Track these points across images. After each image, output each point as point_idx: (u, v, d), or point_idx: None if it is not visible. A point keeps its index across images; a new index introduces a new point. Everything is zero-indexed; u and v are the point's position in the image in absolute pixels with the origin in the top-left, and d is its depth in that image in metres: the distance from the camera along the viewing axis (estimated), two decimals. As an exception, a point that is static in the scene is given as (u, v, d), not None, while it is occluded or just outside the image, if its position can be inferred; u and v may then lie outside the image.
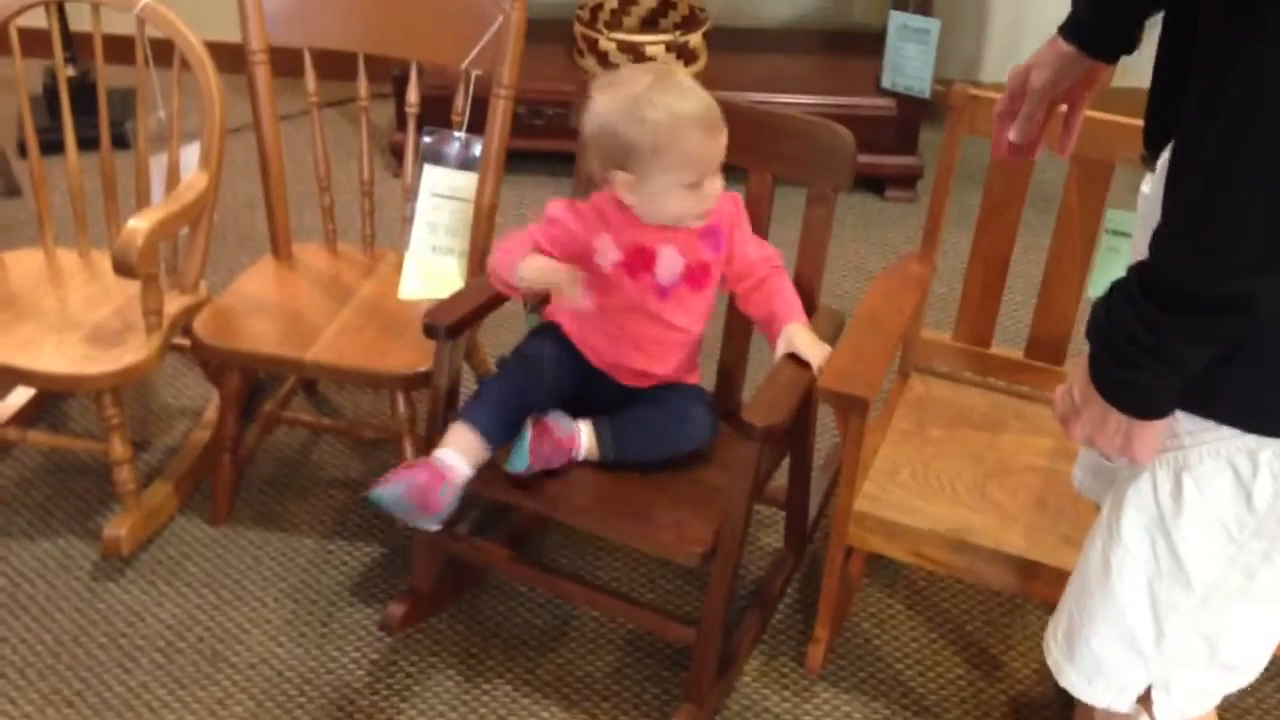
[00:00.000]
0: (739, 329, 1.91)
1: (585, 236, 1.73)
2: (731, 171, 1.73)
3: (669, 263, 1.72)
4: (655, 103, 1.59)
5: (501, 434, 1.70)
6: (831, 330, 1.80)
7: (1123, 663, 1.26)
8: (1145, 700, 1.28)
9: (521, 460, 1.67)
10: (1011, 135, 1.44)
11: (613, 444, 1.74)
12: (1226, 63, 0.94)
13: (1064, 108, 1.43)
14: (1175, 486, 1.15)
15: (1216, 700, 1.30)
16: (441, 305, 1.80)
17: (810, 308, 1.83)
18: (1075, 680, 1.31)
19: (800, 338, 1.71)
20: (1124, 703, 1.28)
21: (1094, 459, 1.45)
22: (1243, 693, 1.86)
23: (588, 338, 1.79)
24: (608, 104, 1.62)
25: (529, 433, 1.68)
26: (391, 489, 1.65)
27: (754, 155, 1.81)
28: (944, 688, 1.91)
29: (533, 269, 1.72)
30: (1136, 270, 1.04)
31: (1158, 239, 1.02)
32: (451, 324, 1.77)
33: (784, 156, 1.80)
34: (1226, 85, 0.95)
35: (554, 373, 1.77)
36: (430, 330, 1.77)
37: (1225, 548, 1.15)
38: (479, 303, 1.82)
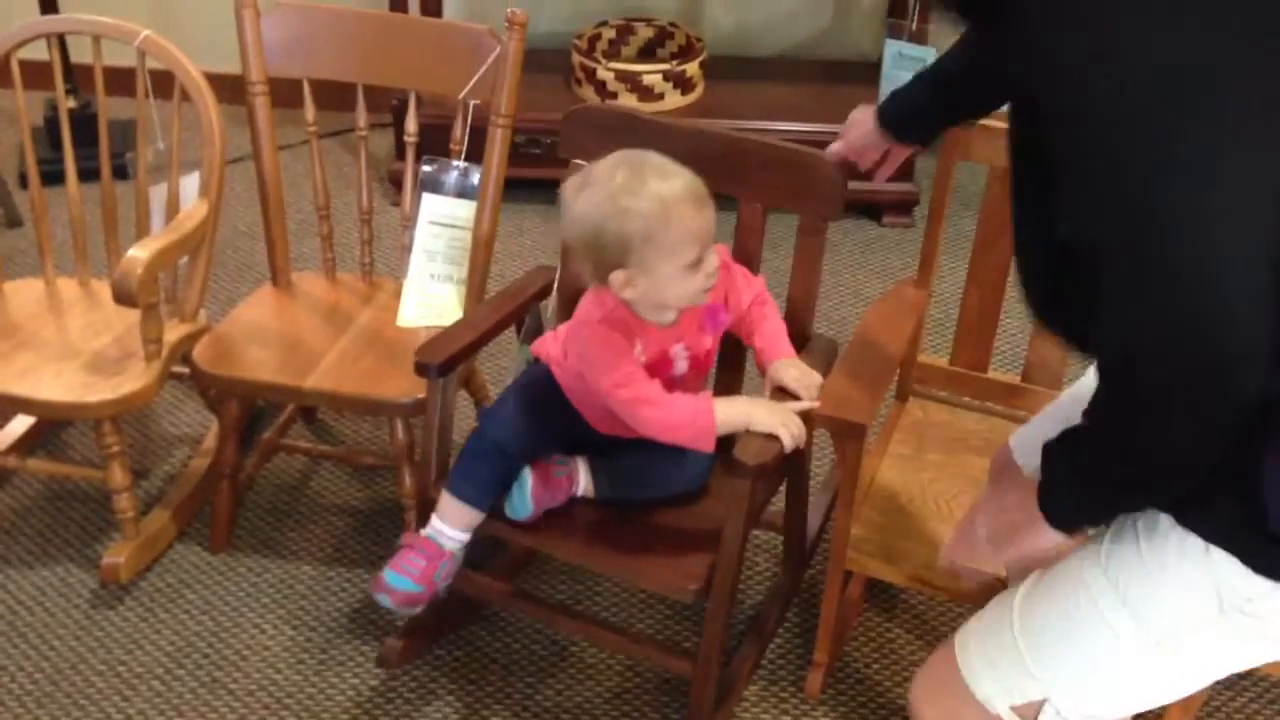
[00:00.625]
0: (733, 360, 1.91)
1: (628, 342, 1.65)
2: (720, 200, 1.75)
3: (679, 361, 1.70)
4: (638, 192, 1.52)
5: (491, 494, 1.72)
6: (825, 360, 1.80)
7: (1034, 666, 1.23)
8: (1022, 710, 1.25)
9: (524, 508, 1.67)
10: (835, 146, 1.75)
11: (609, 485, 1.73)
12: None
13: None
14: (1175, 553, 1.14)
15: None
16: (432, 342, 1.78)
17: (804, 336, 1.83)
18: (975, 660, 1.28)
19: (788, 373, 1.69)
20: (1002, 703, 1.25)
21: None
22: (1229, 696, 1.86)
23: (586, 405, 1.74)
24: (589, 206, 1.54)
25: (529, 479, 1.67)
26: (398, 589, 1.70)
27: (742, 185, 1.81)
28: (944, 713, 1.91)
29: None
30: (1073, 438, 1.13)
31: (1084, 426, 1.12)
32: (443, 362, 1.74)
33: (772, 186, 1.80)
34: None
35: (540, 425, 1.73)
36: (421, 369, 1.74)
37: (1193, 616, 1.15)
38: (471, 339, 1.80)
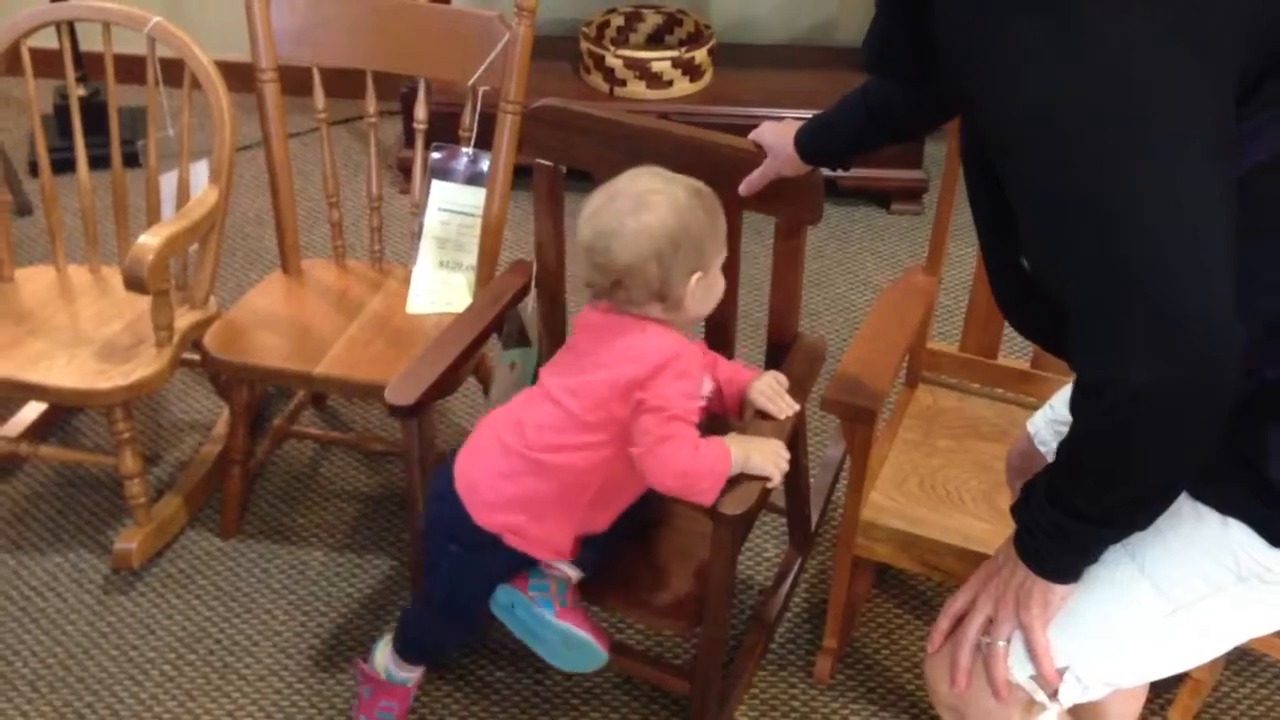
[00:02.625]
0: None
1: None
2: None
3: (704, 396, 1.61)
4: (694, 189, 1.52)
5: (442, 651, 1.80)
6: (813, 358, 1.78)
7: (1055, 635, 1.22)
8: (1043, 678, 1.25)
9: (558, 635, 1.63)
10: (742, 188, 1.67)
11: (594, 561, 1.65)
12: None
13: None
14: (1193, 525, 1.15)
15: (1111, 691, 1.28)
16: (402, 380, 1.68)
17: (788, 339, 1.81)
18: None
19: (760, 395, 1.65)
20: (1022, 673, 1.24)
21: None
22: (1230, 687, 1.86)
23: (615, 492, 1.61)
24: (663, 213, 1.48)
25: (553, 619, 1.59)
26: None
27: (716, 189, 1.66)
28: (953, 698, 1.91)
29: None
30: (1046, 481, 1.15)
31: (1053, 467, 1.14)
32: (414, 404, 1.65)
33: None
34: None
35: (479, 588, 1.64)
36: (394, 412, 1.66)
37: (1212, 585, 1.16)
38: (445, 369, 1.71)
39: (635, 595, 1.62)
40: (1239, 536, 1.10)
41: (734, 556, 1.61)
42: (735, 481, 1.52)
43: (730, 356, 1.84)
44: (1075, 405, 1.07)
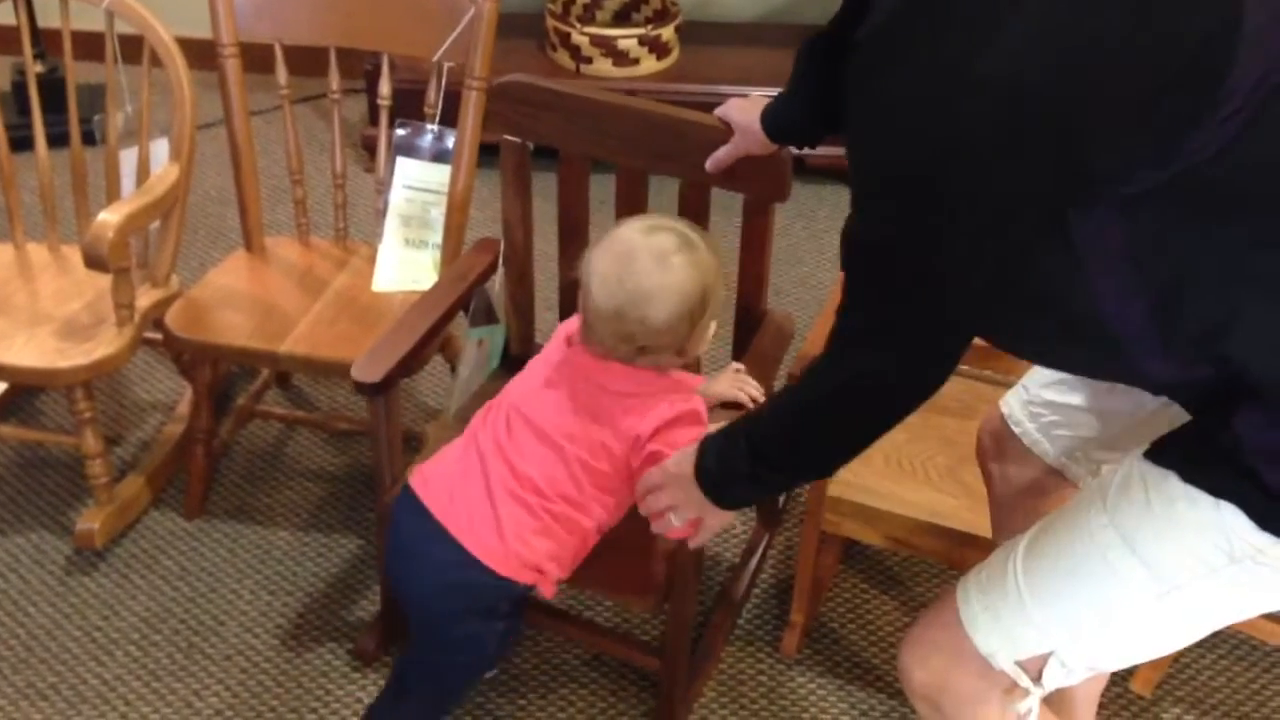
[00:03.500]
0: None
1: None
2: (663, 183, 1.73)
3: None
4: (702, 233, 1.52)
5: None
6: (780, 339, 1.79)
7: (1038, 618, 1.22)
8: (1027, 664, 1.24)
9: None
10: (709, 164, 1.66)
11: None
12: None
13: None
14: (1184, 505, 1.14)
15: (1093, 675, 1.29)
16: (369, 357, 1.67)
17: (756, 316, 1.81)
18: (978, 612, 1.25)
19: (719, 389, 1.65)
20: (1006, 658, 1.24)
21: (1049, 400, 1.49)
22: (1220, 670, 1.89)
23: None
24: (694, 269, 1.46)
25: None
26: None
27: (681, 165, 1.71)
28: (918, 671, 1.93)
29: None
30: (751, 432, 1.31)
31: (767, 420, 1.31)
32: (382, 380, 1.64)
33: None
34: None
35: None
36: (360, 389, 1.65)
37: (1204, 565, 1.15)
38: (411, 346, 1.70)
39: (603, 574, 1.62)
40: (1230, 519, 1.09)
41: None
42: None
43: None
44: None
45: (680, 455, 1.40)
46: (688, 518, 1.42)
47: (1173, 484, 1.12)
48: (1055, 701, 1.43)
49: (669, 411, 1.48)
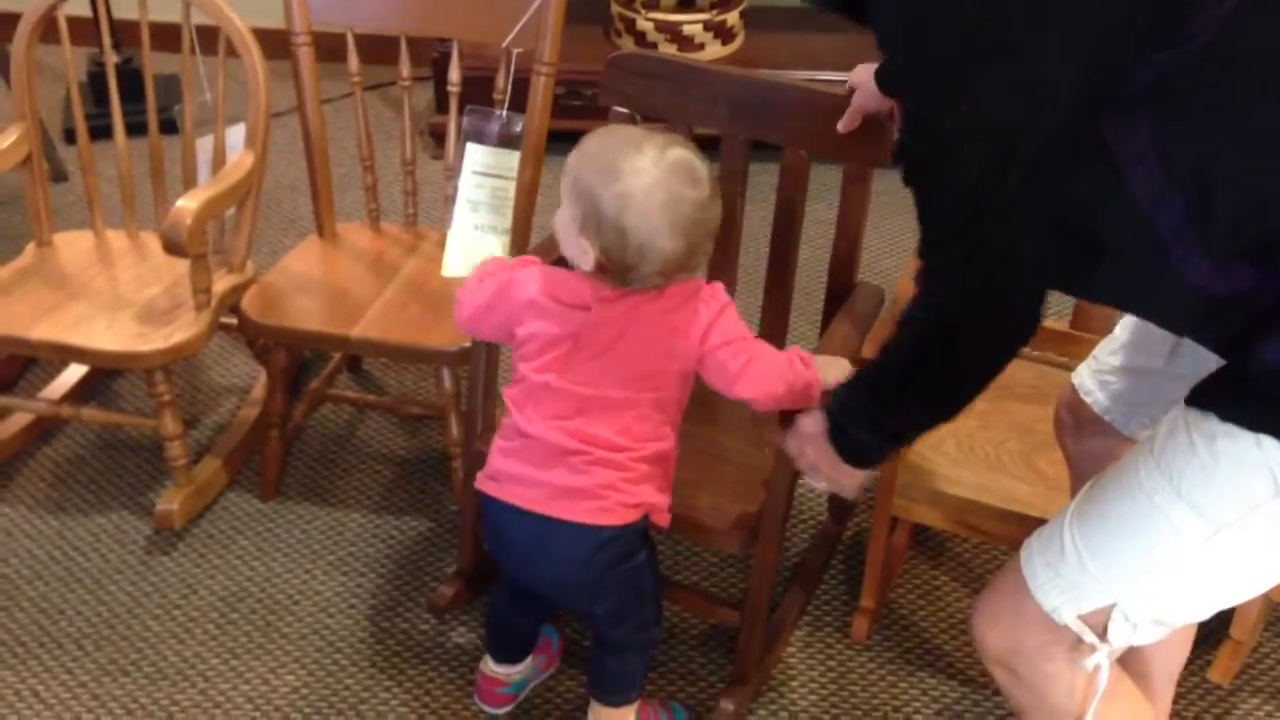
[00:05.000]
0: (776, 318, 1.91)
1: None
2: (763, 149, 1.74)
3: None
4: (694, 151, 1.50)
5: (529, 645, 1.80)
6: (872, 305, 1.80)
7: (1096, 569, 1.22)
8: (1090, 620, 1.25)
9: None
10: (840, 125, 1.68)
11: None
12: None
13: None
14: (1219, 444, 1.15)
15: (1164, 634, 1.27)
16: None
17: (849, 285, 1.82)
18: (1039, 569, 1.26)
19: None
20: (1069, 612, 1.24)
21: (1120, 389, 1.48)
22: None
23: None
24: (711, 193, 1.46)
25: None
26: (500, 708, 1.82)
27: (785, 132, 1.77)
28: (989, 658, 1.91)
29: None
30: (861, 392, 1.35)
31: (871, 375, 1.35)
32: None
33: (816, 133, 1.75)
34: None
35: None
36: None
37: (1250, 502, 1.15)
38: None
39: (687, 511, 1.65)
40: (1271, 451, 1.10)
41: (792, 469, 1.61)
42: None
43: (788, 307, 1.88)
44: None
45: (818, 412, 1.44)
46: (825, 477, 1.45)
47: (1212, 423, 1.14)
48: (1135, 675, 1.42)
49: (706, 313, 1.51)
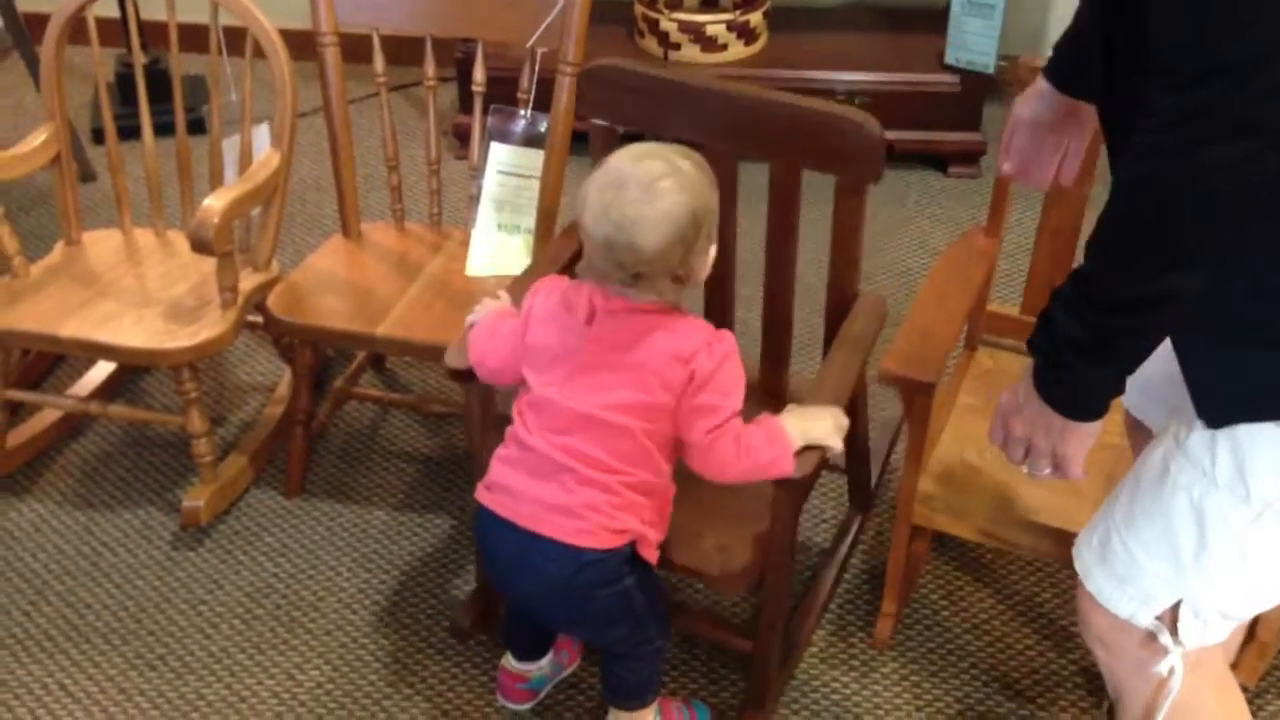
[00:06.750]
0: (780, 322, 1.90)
1: None
2: (753, 165, 1.72)
3: None
4: (695, 159, 1.49)
5: (545, 645, 1.80)
6: (873, 323, 1.75)
7: (1156, 570, 1.25)
8: (1166, 619, 1.27)
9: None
10: (1005, 166, 1.55)
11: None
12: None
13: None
14: None
15: (1234, 626, 1.29)
16: (460, 345, 1.68)
17: (848, 299, 1.78)
18: (1103, 584, 1.30)
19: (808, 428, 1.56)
20: (1146, 615, 1.27)
21: (1145, 374, 1.46)
22: None
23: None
24: (681, 192, 1.44)
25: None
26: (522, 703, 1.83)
27: (773, 148, 1.71)
28: (1012, 659, 1.91)
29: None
30: (1073, 278, 1.15)
31: (1087, 246, 1.14)
32: (470, 369, 1.65)
33: (804, 149, 1.69)
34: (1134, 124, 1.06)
35: None
36: (454, 375, 1.67)
37: None
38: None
39: (695, 560, 1.62)
40: None
41: (794, 520, 1.62)
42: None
43: (789, 324, 1.85)
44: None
45: (1015, 384, 1.29)
46: (1044, 454, 1.26)
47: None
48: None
49: (707, 362, 1.47)
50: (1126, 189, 1.10)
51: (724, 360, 1.49)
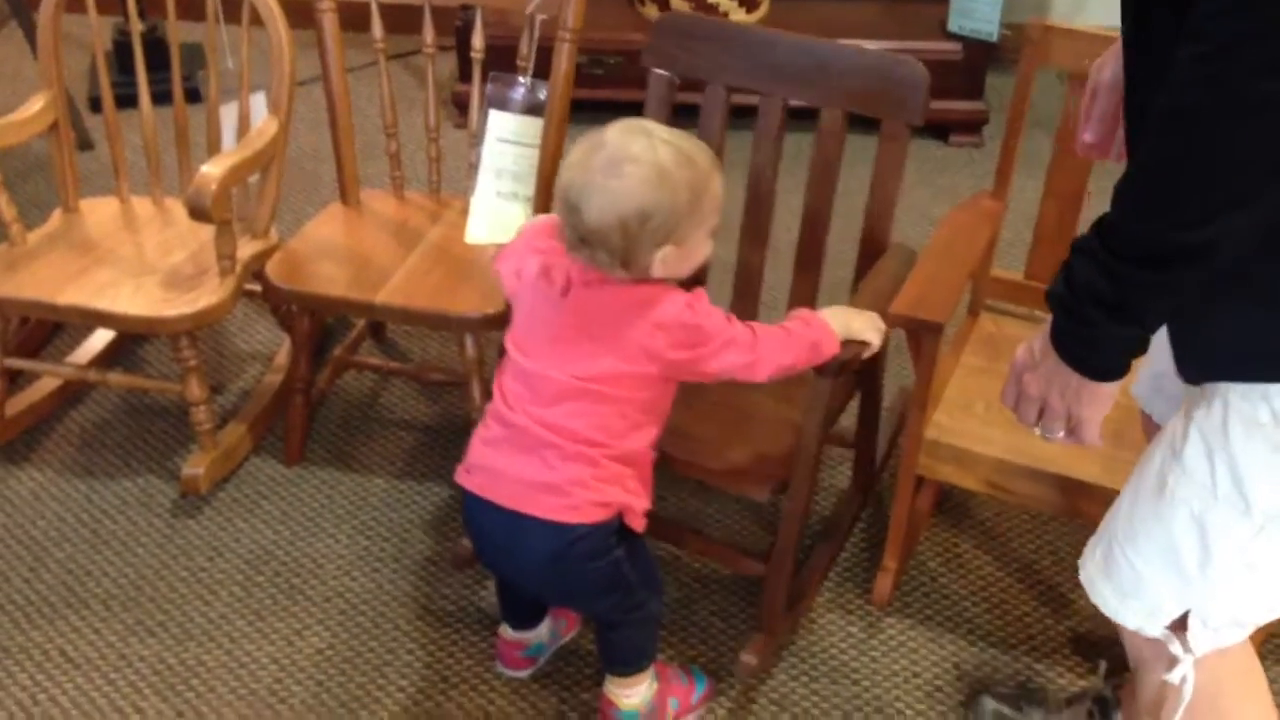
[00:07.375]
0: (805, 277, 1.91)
1: None
2: (797, 112, 1.74)
3: None
4: (688, 156, 1.46)
5: (536, 611, 1.80)
6: (904, 267, 1.79)
7: (1160, 584, 1.23)
8: (1177, 628, 1.25)
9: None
10: (1087, 135, 1.40)
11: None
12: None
13: None
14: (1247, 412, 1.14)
15: (1249, 632, 1.27)
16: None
17: (881, 246, 1.82)
18: (1109, 597, 1.28)
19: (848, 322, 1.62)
20: (1155, 626, 1.25)
21: (1156, 371, 1.44)
22: None
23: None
24: (633, 184, 1.42)
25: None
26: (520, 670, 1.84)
27: (823, 92, 1.80)
28: (1011, 624, 1.91)
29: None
30: (1097, 227, 1.06)
31: (1117, 194, 1.04)
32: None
33: (854, 92, 1.78)
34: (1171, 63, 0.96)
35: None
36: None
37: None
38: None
39: (718, 460, 1.69)
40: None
41: (826, 413, 1.65)
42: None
43: (820, 266, 1.90)
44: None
45: (1031, 339, 1.21)
46: (1059, 416, 1.19)
47: (1233, 417, 1.13)
48: None
49: (671, 309, 1.48)
50: (1171, 120, 0.98)
51: (707, 316, 1.51)
